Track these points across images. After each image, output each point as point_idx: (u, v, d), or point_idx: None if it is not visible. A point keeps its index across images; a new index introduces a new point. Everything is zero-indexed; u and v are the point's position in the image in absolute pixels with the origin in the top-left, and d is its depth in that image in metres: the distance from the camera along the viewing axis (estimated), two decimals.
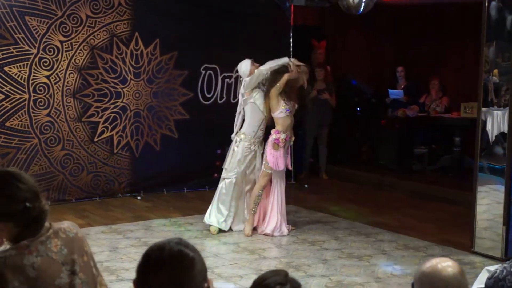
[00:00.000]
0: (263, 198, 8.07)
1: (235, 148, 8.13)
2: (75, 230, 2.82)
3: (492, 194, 7.48)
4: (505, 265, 3.41)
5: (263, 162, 8.01)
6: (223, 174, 8.22)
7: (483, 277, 4.35)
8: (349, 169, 11.81)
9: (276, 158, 7.86)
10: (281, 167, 7.94)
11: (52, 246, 2.68)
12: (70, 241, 2.75)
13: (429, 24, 12.46)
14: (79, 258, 2.76)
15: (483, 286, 3.56)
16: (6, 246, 2.69)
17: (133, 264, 6.93)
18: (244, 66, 8.19)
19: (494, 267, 4.29)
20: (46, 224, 2.73)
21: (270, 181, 8.04)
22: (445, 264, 2.69)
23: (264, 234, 7.99)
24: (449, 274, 2.66)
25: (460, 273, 2.71)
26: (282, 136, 7.90)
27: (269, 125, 8.17)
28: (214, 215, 8.09)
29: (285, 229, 8.08)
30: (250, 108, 8.11)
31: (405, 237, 8.04)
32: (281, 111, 7.90)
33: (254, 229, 8.10)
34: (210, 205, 8.18)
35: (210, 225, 8.10)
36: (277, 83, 7.91)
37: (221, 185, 8.17)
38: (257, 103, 8.06)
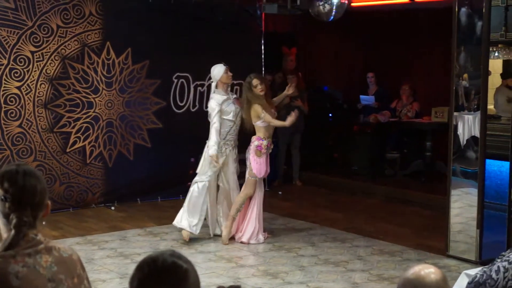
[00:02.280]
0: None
1: (206, 151, 8.12)
2: (70, 252, 2.81)
3: (464, 197, 7.57)
4: (485, 269, 3.46)
5: (248, 170, 8.01)
6: (195, 178, 8.21)
7: (462, 281, 4.40)
8: (322, 175, 11.87)
9: (259, 164, 7.90)
10: (263, 174, 7.98)
11: (42, 261, 2.66)
12: (62, 261, 2.74)
13: (399, 30, 12.58)
14: (68, 279, 2.74)
15: None
16: None
17: (110, 275, 6.91)
18: (217, 71, 8.18)
19: (473, 271, 4.35)
20: (39, 237, 2.71)
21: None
22: (428, 271, 2.73)
23: (241, 242, 8.00)
24: (432, 281, 2.69)
25: (442, 279, 2.75)
26: (264, 142, 7.93)
27: (250, 132, 8.17)
28: (186, 219, 8.06)
29: (261, 237, 8.09)
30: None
31: (380, 242, 8.10)
32: (264, 121, 7.92)
33: (232, 237, 8.10)
34: (181, 208, 8.15)
35: (181, 229, 8.08)
36: (257, 92, 7.90)
37: (192, 188, 8.15)
38: (226, 113, 8.08)
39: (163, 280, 2.32)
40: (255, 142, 7.96)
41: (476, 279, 3.38)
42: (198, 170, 8.22)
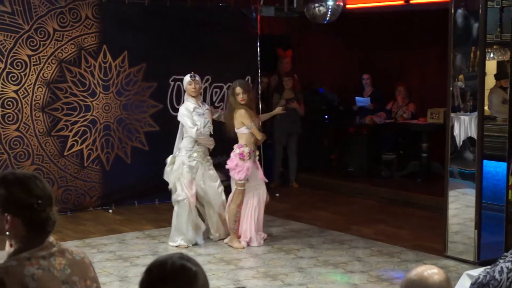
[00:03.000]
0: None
1: (176, 166, 8.04)
2: (82, 255, 2.85)
3: (461, 198, 7.61)
4: (488, 270, 3.48)
5: (233, 181, 7.98)
6: (173, 197, 8.12)
7: (463, 282, 4.43)
8: (319, 177, 11.91)
9: (243, 168, 7.85)
10: (249, 174, 7.93)
11: (56, 264, 2.70)
12: (75, 264, 2.78)
13: (394, 31, 12.63)
14: (81, 281, 2.77)
15: None
16: (10, 249, 2.70)
17: (110, 278, 6.92)
18: (184, 81, 8.17)
19: (475, 272, 4.38)
20: (52, 240, 2.74)
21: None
22: (431, 272, 2.76)
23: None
24: (435, 282, 2.73)
25: (446, 280, 2.79)
26: (246, 149, 7.86)
27: (233, 138, 8.10)
28: (177, 237, 8.05)
29: (261, 240, 8.10)
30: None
31: (378, 243, 8.13)
32: (246, 127, 7.91)
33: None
34: (171, 228, 8.12)
35: (177, 246, 8.03)
36: (238, 100, 7.84)
37: (175, 207, 8.06)
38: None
39: (172, 283, 2.36)
40: (236, 150, 7.90)
41: (479, 280, 3.40)
42: (171, 186, 8.11)
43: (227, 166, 8.00)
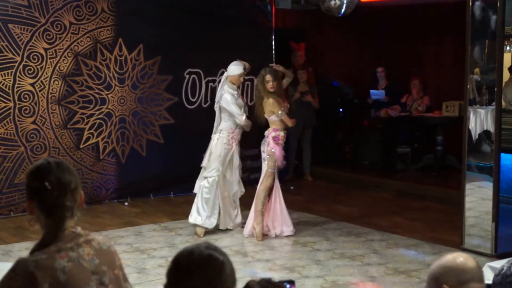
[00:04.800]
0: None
1: (213, 146, 8.22)
2: (109, 244, 2.86)
3: (477, 191, 7.58)
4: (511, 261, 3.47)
5: (266, 163, 8.05)
6: (204, 173, 8.28)
7: (485, 273, 4.40)
8: (333, 170, 11.90)
9: (280, 152, 7.98)
10: (283, 161, 8.10)
11: (84, 254, 2.70)
12: (103, 253, 2.78)
13: (408, 24, 12.57)
14: (110, 270, 2.78)
15: (488, 282, 3.62)
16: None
17: (127, 270, 6.90)
18: (233, 69, 8.22)
19: (498, 263, 4.37)
20: (79, 231, 2.74)
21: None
22: (465, 256, 2.82)
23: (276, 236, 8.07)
24: (472, 266, 2.77)
25: (478, 265, 2.83)
26: (282, 133, 8.03)
27: (264, 124, 8.23)
28: (199, 215, 8.13)
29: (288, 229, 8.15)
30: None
31: (394, 236, 8.12)
32: (276, 116, 7.97)
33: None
34: (194, 204, 8.20)
35: (195, 226, 8.13)
36: (268, 88, 7.95)
37: (202, 183, 8.21)
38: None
39: (200, 272, 2.36)
40: (272, 133, 8.02)
41: (503, 271, 3.38)
42: (204, 165, 8.29)
43: (262, 148, 8.06)
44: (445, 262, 2.78)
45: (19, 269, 2.59)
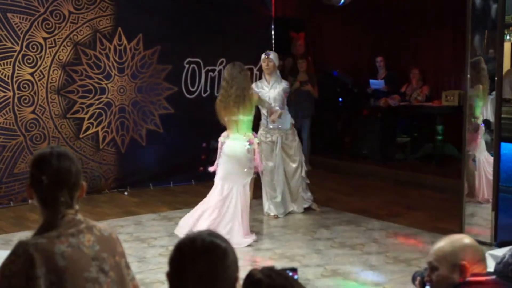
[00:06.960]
0: None
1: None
2: (110, 231, 2.87)
3: None
4: None
5: None
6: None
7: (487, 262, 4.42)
8: (332, 160, 11.91)
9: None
10: None
11: (85, 241, 2.71)
12: (104, 240, 2.79)
13: (408, 13, 12.54)
14: (110, 257, 2.78)
15: (489, 270, 3.63)
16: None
17: (128, 259, 6.89)
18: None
19: (499, 252, 4.38)
20: (79, 218, 2.75)
21: None
22: (471, 237, 3.12)
23: None
24: (478, 245, 3.06)
25: None
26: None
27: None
28: (270, 203, 8.48)
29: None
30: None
31: (394, 225, 8.13)
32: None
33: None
34: (263, 194, 8.51)
35: (269, 214, 8.46)
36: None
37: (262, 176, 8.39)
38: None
39: (202, 259, 2.37)
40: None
41: (505, 259, 3.40)
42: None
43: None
44: (459, 240, 2.92)
45: (19, 251, 2.60)
